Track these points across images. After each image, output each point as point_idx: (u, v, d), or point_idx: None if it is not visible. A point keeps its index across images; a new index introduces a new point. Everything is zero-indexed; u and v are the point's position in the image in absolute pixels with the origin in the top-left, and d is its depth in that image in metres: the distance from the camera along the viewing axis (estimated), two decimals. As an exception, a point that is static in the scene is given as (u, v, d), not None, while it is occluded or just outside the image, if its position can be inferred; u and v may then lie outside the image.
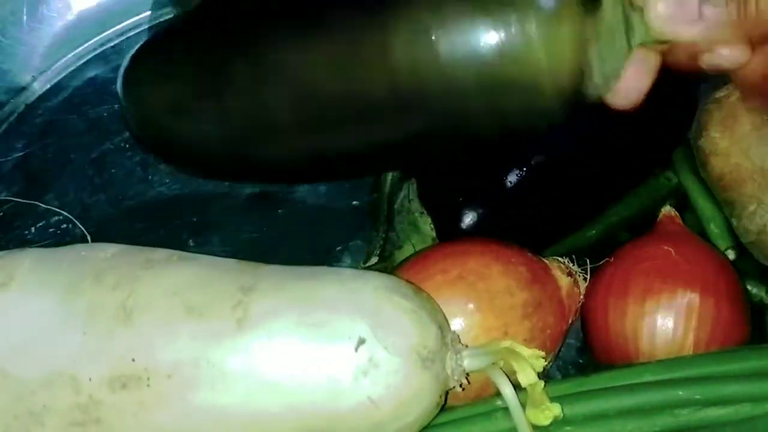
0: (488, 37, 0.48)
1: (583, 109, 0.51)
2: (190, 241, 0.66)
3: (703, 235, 0.62)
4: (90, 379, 0.47)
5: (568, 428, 0.50)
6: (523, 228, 0.60)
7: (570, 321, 0.56)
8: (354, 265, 0.64)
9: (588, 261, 0.57)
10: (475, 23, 0.48)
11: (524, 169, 0.60)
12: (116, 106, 0.71)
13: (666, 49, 0.49)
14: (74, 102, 0.72)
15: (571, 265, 0.56)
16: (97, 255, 0.51)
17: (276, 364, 0.46)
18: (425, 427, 0.49)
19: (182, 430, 0.47)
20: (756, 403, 0.50)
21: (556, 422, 0.50)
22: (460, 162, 0.60)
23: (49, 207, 0.66)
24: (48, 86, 0.73)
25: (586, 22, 0.48)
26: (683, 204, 0.64)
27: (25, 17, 0.74)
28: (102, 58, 0.74)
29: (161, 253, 0.51)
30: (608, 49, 0.49)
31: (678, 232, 0.59)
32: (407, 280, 0.50)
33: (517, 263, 0.54)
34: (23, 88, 0.72)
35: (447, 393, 0.49)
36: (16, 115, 0.71)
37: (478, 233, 0.59)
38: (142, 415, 0.47)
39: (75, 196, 0.68)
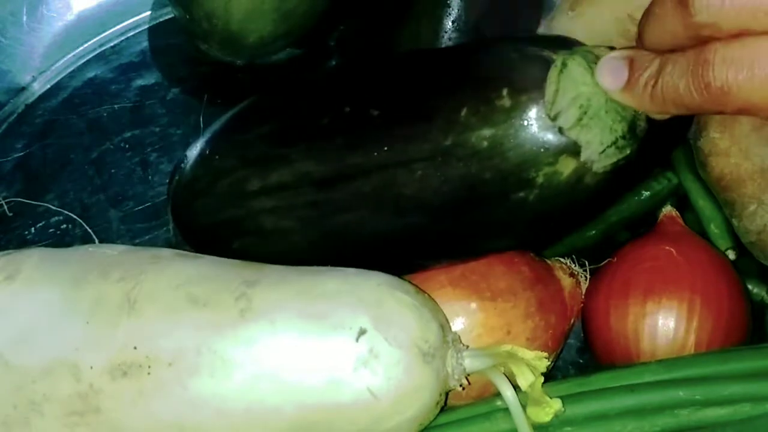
0: None
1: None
2: (190, 241, 0.66)
3: (704, 235, 0.62)
4: (91, 367, 0.47)
5: (568, 428, 0.50)
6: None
7: (572, 321, 0.56)
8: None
9: (588, 261, 0.57)
10: None
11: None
12: (116, 106, 0.71)
13: None
14: (74, 102, 0.72)
15: (572, 265, 0.56)
16: (104, 252, 0.52)
17: (277, 353, 0.46)
18: (425, 428, 0.49)
19: (181, 419, 0.47)
20: (756, 403, 0.50)
21: (557, 422, 0.50)
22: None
23: (49, 207, 0.66)
24: (48, 86, 0.73)
25: None
26: (683, 204, 0.64)
27: (25, 17, 0.74)
28: (102, 58, 0.74)
29: (167, 251, 0.52)
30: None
31: (679, 233, 0.59)
32: (409, 280, 0.50)
33: (519, 263, 0.54)
34: (23, 88, 0.72)
35: (447, 394, 0.49)
36: (16, 115, 0.71)
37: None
38: (142, 404, 0.47)
39: (75, 196, 0.68)
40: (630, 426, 0.50)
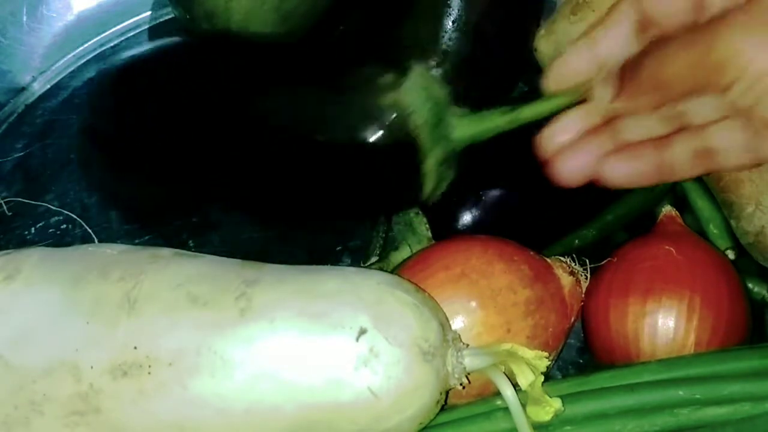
0: None
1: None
2: (190, 241, 0.66)
3: (703, 235, 0.62)
4: (92, 367, 0.47)
5: (568, 428, 0.50)
6: (521, 229, 0.60)
7: (572, 319, 0.56)
8: (353, 266, 0.64)
9: (588, 261, 0.57)
10: None
11: (521, 169, 0.60)
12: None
13: None
14: (74, 102, 0.72)
15: (572, 263, 0.56)
16: (104, 252, 0.52)
17: (277, 352, 0.46)
18: (425, 427, 0.49)
19: (181, 419, 0.47)
20: (756, 402, 0.50)
21: (556, 422, 0.50)
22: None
23: (49, 207, 0.66)
24: (48, 86, 0.73)
25: None
26: (682, 204, 0.64)
27: (24, 18, 0.74)
28: (102, 58, 0.74)
29: (166, 251, 0.52)
30: None
31: (679, 232, 0.59)
32: (408, 280, 0.50)
33: (519, 261, 0.54)
34: (23, 88, 0.72)
35: (447, 393, 0.49)
36: (16, 115, 0.71)
37: (474, 234, 0.59)
38: (142, 403, 0.47)
39: (75, 196, 0.68)
40: (630, 425, 0.50)
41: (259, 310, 0.47)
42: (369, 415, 0.46)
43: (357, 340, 0.46)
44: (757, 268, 0.61)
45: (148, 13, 0.75)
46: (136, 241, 0.66)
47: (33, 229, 0.67)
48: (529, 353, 0.48)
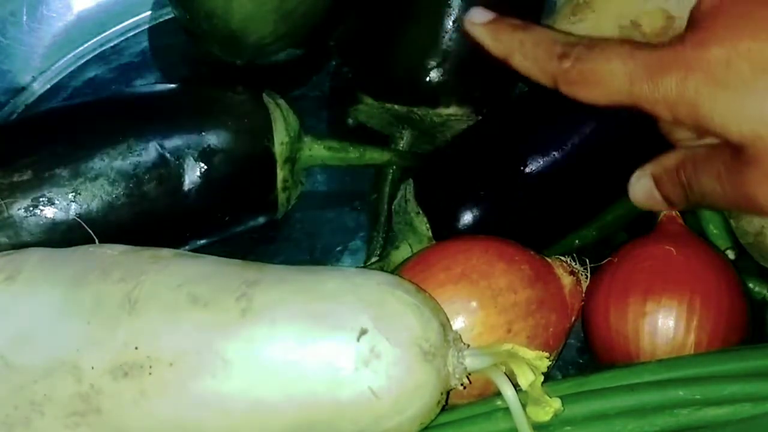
0: None
1: (582, 110, 0.52)
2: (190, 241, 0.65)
3: (703, 235, 0.62)
4: (92, 368, 0.47)
5: (568, 428, 0.50)
6: (521, 229, 0.60)
7: (573, 319, 0.56)
8: (354, 266, 0.65)
9: (588, 261, 0.57)
10: None
11: (521, 170, 0.60)
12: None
13: None
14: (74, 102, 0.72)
15: (573, 263, 0.56)
16: (104, 252, 0.52)
17: (278, 353, 0.46)
18: (426, 427, 0.49)
19: (182, 419, 0.47)
20: (756, 402, 0.50)
21: (557, 422, 0.50)
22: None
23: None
24: (48, 86, 0.72)
25: None
26: (682, 205, 0.64)
27: (24, 17, 0.74)
28: (102, 58, 0.74)
29: (167, 251, 0.52)
30: None
31: (679, 232, 0.59)
32: (409, 280, 0.50)
33: (520, 261, 0.54)
34: (23, 88, 0.72)
35: (448, 393, 0.49)
36: (16, 115, 0.71)
37: (474, 234, 0.59)
38: (143, 404, 0.47)
39: (75, 195, 0.68)
40: (630, 425, 0.50)
41: (260, 311, 0.47)
42: (370, 415, 0.46)
43: (358, 340, 0.46)
44: (757, 268, 0.61)
45: (148, 13, 0.75)
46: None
47: (33, 229, 0.66)
48: (530, 353, 0.48)
